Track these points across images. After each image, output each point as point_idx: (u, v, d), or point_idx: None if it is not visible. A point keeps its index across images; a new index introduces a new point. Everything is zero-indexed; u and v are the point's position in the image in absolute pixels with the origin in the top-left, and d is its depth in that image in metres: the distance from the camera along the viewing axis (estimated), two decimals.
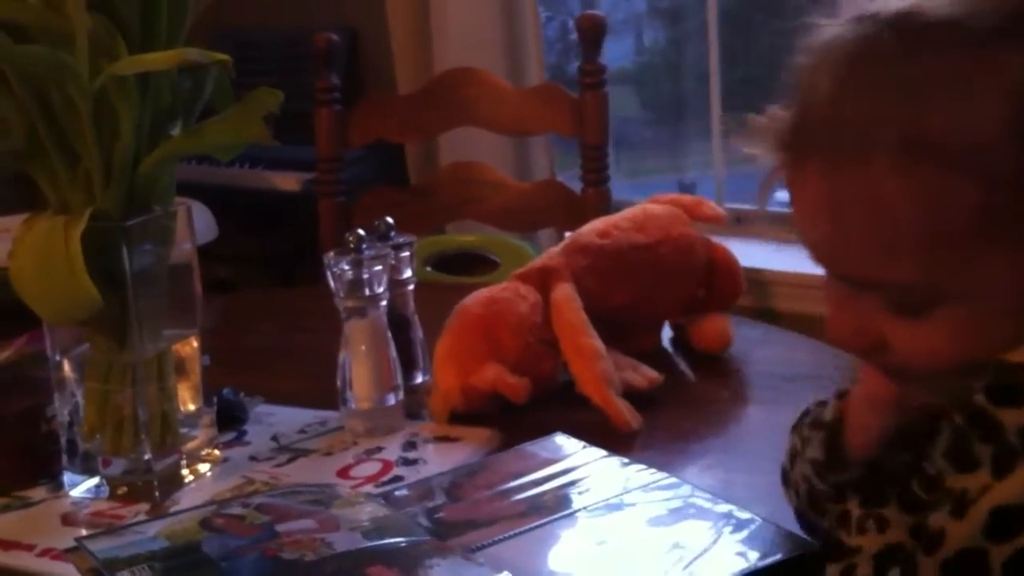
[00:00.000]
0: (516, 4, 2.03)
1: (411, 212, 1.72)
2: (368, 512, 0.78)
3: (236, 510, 0.75)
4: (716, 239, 1.23)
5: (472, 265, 1.78)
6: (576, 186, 1.65)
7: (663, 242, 1.14)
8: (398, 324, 1.06)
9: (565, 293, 1.05)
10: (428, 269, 1.73)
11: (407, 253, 1.08)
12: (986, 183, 0.53)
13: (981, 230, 0.54)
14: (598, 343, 1.01)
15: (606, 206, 1.59)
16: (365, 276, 1.00)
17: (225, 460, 0.96)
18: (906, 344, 0.58)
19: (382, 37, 2.29)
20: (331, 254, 1.01)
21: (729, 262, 1.20)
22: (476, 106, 1.70)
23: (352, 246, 1.00)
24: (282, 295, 1.77)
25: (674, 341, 1.21)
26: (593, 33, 1.56)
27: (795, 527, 0.75)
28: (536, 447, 0.89)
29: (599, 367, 0.99)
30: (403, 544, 0.71)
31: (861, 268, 0.57)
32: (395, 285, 1.06)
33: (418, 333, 1.10)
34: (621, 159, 3.84)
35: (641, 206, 1.20)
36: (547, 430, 0.94)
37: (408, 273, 1.09)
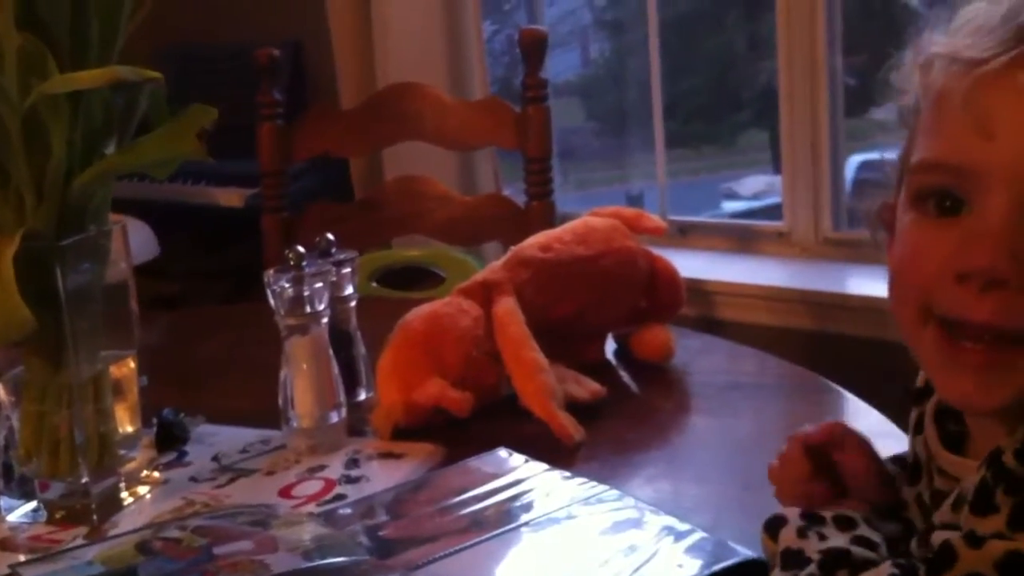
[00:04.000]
0: (459, 18, 2.03)
1: (356, 227, 1.72)
2: (309, 532, 0.77)
3: (174, 533, 0.74)
4: (659, 250, 1.24)
5: (417, 279, 1.78)
6: (522, 199, 1.66)
7: (605, 255, 1.15)
8: (340, 341, 1.05)
9: (507, 307, 1.05)
10: (373, 284, 1.72)
11: (348, 269, 1.08)
12: None
13: None
14: (540, 356, 1.01)
15: (551, 219, 1.59)
16: (306, 293, 0.99)
17: (165, 482, 0.95)
18: None
19: (326, 51, 2.29)
20: (271, 272, 1.00)
21: (670, 273, 1.20)
22: (420, 120, 1.70)
23: (292, 263, 1.00)
24: (227, 312, 1.76)
25: (617, 353, 1.22)
26: (534, 47, 1.57)
27: (737, 538, 0.76)
28: (479, 462, 0.89)
29: (541, 380, 0.99)
30: (343, 563, 0.71)
31: None
32: (337, 302, 1.05)
33: (360, 349, 1.09)
34: (569, 170, 3.85)
35: (583, 219, 1.20)
36: (491, 444, 0.94)
37: (350, 289, 1.08)
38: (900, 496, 0.73)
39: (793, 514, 0.68)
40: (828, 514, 0.68)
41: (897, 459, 0.79)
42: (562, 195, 1.65)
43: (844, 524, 0.66)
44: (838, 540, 0.65)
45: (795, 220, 1.84)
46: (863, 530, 0.66)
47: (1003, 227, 0.57)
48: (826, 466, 0.73)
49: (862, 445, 0.75)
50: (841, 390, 1.09)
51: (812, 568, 0.63)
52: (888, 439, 0.93)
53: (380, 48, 2.10)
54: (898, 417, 0.95)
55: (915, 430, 0.70)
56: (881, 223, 0.68)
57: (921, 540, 0.63)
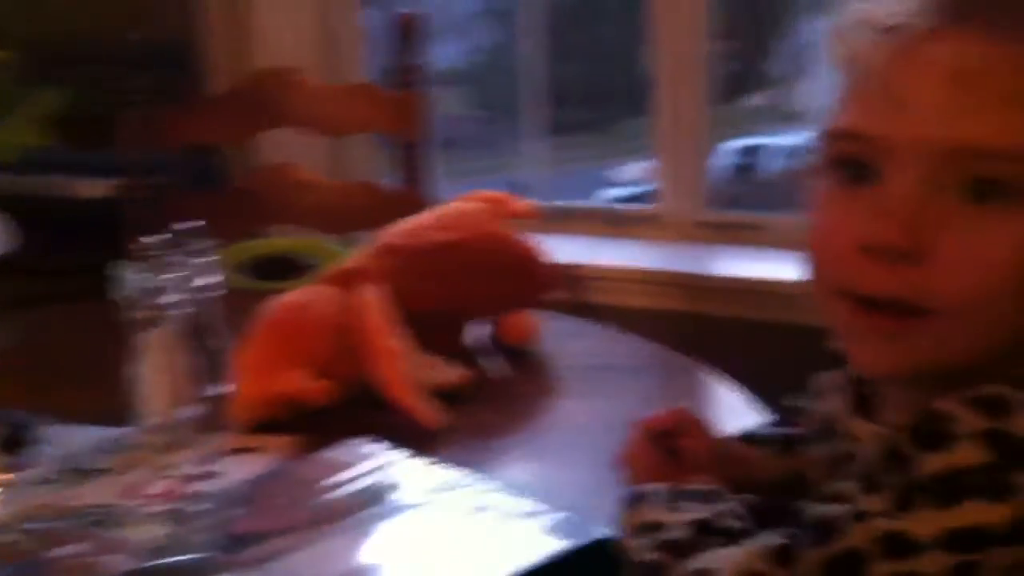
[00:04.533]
0: (336, 5, 1.99)
1: (228, 216, 1.67)
2: (158, 531, 0.75)
3: (9, 537, 0.71)
4: (536, 236, 1.23)
5: (290, 270, 1.74)
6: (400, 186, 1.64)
7: (472, 240, 1.14)
8: (200, 333, 1.02)
9: (370, 295, 1.03)
10: (242, 275, 1.68)
11: (208, 259, 1.05)
12: None
13: None
14: (401, 343, 1.00)
15: (428, 205, 1.57)
16: (159, 285, 0.96)
17: (11, 485, 0.91)
18: (957, 248, 0.57)
19: (201, 43, 2.23)
20: (122, 263, 0.96)
21: (539, 258, 1.20)
22: (292, 107, 1.66)
23: (145, 253, 0.97)
24: (87, 308, 1.70)
25: (486, 338, 1.21)
26: (411, 31, 1.55)
27: (602, 520, 0.76)
28: (334, 452, 0.88)
29: (401, 368, 0.97)
30: (185, 562, 0.68)
31: (978, 130, 0.56)
32: (196, 292, 1.02)
33: (221, 342, 1.06)
34: (454, 159, 3.81)
35: (451, 205, 1.19)
36: (354, 434, 0.92)
37: (210, 280, 1.05)
38: (749, 473, 0.74)
39: (654, 488, 0.68)
40: (690, 488, 0.68)
41: (749, 436, 0.80)
42: (448, 184, 1.64)
43: (705, 497, 0.67)
44: (702, 512, 0.65)
45: (668, 204, 1.86)
46: (724, 502, 0.67)
47: (907, 203, 0.57)
48: (673, 449, 0.74)
49: (704, 429, 0.76)
50: (709, 369, 1.10)
51: (675, 534, 0.63)
52: (753, 416, 0.94)
53: (256, 37, 2.05)
54: (765, 394, 0.97)
55: (830, 390, 0.70)
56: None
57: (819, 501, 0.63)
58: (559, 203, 2.04)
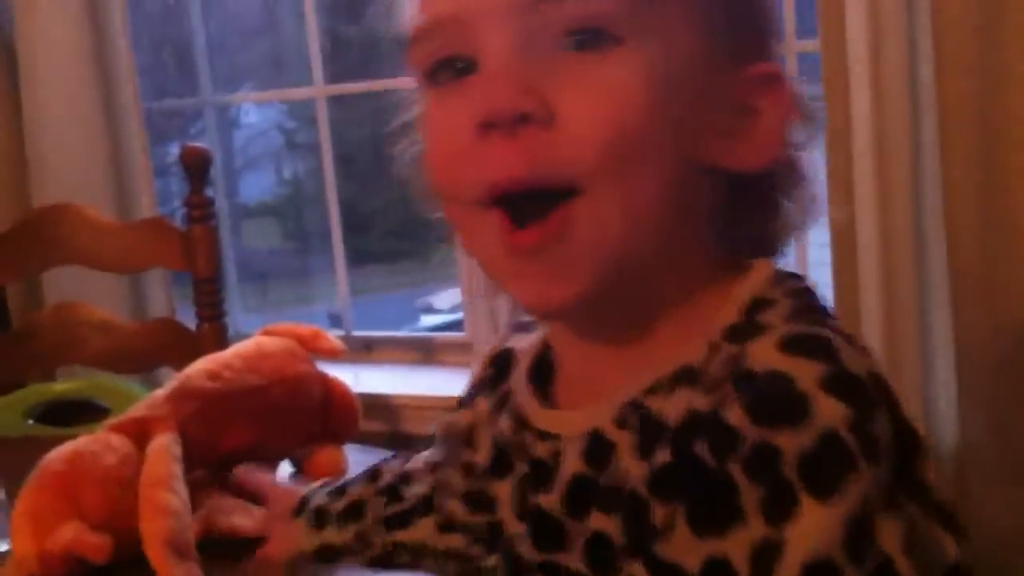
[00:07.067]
0: (122, 138, 1.93)
1: (12, 359, 1.58)
2: None
3: None
4: (344, 367, 1.21)
5: (82, 414, 1.64)
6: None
7: (277, 383, 1.10)
8: None
9: (160, 444, 0.97)
10: (30, 422, 1.57)
11: None
12: None
13: None
14: (173, 498, 0.91)
15: (224, 341, 1.52)
16: None
17: None
18: (577, 102, 0.51)
19: None
20: None
21: (345, 396, 1.18)
22: (76, 243, 1.59)
23: None
24: None
25: (293, 476, 1.16)
26: (196, 166, 1.52)
27: None
28: None
29: (164, 524, 0.89)
30: None
31: None
32: None
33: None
34: (266, 291, 3.73)
35: (255, 340, 1.15)
36: None
37: None
38: None
39: None
40: None
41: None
42: (259, 317, 1.59)
43: None
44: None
45: (476, 330, 1.86)
46: None
47: (509, 62, 0.52)
48: None
49: None
50: None
51: None
52: None
53: (35, 173, 1.93)
54: None
55: (490, 417, 0.64)
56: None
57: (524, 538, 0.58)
58: (368, 332, 2.01)
